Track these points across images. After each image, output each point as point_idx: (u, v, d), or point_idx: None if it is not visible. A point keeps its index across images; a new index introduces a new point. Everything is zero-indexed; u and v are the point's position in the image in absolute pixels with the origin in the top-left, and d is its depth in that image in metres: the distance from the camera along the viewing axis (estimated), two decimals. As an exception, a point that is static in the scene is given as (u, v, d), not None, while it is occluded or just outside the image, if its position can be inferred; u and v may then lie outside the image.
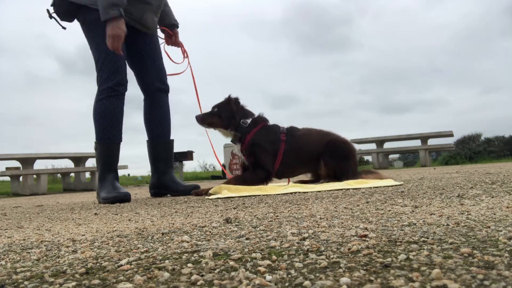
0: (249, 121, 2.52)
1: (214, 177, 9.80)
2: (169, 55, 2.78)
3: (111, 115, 2.31)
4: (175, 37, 2.75)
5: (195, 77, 2.85)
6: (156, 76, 2.58)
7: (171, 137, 2.70)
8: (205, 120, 2.58)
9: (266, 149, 2.49)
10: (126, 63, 2.44)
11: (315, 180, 2.69)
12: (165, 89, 2.64)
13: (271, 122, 2.65)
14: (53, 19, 2.37)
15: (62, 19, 2.38)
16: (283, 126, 2.65)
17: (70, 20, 2.40)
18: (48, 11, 2.36)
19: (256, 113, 2.63)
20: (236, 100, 2.58)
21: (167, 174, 2.64)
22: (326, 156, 2.59)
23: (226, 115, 2.53)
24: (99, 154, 2.37)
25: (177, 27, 2.76)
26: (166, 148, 2.67)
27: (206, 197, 2.16)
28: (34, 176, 6.62)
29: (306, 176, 2.82)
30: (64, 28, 2.42)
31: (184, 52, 2.81)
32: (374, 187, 1.96)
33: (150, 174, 2.77)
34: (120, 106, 2.34)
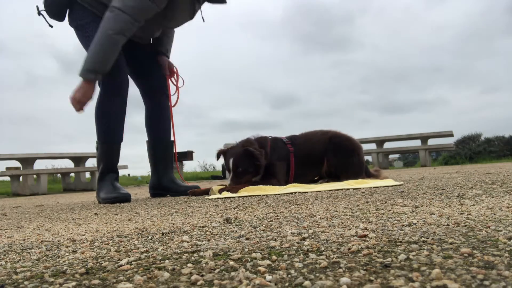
0: (263, 151, 2.43)
1: (214, 177, 9.81)
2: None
3: (114, 116, 2.31)
4: (164, 65, 2.67)
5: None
6: (159, 80, 2.58)
7: (171, 139, 2.69)
8: (240, 185, 2.31)
9: (280, 165, 2.48)
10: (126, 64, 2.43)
11: (316, 179, 2.69)
12: (167, 94, 2.63)
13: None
14: (41, 16, 2.32)
15: (52, 17, 2.34)
16: (282, 137, 2.64)
17: (60, 18, 2.35)
18: (37, 7, 2.32)
19: (251, 134, 2.54)
20: (252, 152, 2.34)
21: (167, 175, 2.64)
22: (329, 153, 2.59)
23: (253, 168, 2.35)
24: (100, 154, 2.36)
25: (164, 55, 2.69)
26: (166, 149, 2.66)
27: (206, 197, 2.16)
28: (34, 176, 6.62)
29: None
30: (51, 26, 2.38)
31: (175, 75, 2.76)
32: (374, 187, 1.96)
33: (150, 174, 2.77)
34: (122, 106, 2.34)
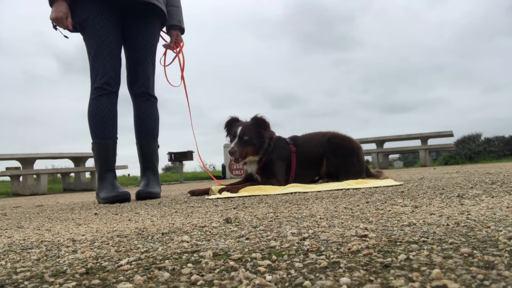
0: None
1: (214, 177, 9.80)
2: (167, 75, 2.76)
3: (102, 114, 2.32)
4: (171, 38, 2.67)
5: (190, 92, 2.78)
6: (143, 85, 2.53)
7: (155, 139, 2.62)
8: (242, 152, 2.32)
9: (280, 165, 2.48)
10: (120, 59, 2.43)
11: (316, 180, 2.69)
12: (148, 98, 2.55)
13: (271, 122, 2.62)
14: (57, 30, 2.37)
15: (69, 30, 2.38)
16: (286, 137, 2.65)
17: (73, 29, 2.39)
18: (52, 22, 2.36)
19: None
20: (262, 121, 2.41)
21: (143, 178, 2.57)
22: (328, 153, 2.59)
23: (258, 141, 2.36)
24: (96, 154, 2.38)
25: (178, 29, 2.68)
26: (141, 152, 2.59)
27: (206, 197, 2.16)
28: (34, 176, 6.62)
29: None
30: (66, 37, 2.42)
31: (178, 54, 2.72)
32: (374, 187, 1.96)
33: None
34: (111, 104, 2.35)
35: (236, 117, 2.53)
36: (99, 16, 2.30)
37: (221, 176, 9.49)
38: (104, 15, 2.31)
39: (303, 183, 2.41)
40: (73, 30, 2.38)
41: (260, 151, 2.40)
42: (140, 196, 2.35)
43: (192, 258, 0.62)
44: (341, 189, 1.96)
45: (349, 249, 0.60)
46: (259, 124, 2.43)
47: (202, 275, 0.51)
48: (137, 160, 2.63)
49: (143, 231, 0.96)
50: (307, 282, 0.45)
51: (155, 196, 2.40)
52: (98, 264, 0.62)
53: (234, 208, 1.39)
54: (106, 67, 2.31)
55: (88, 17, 2.30)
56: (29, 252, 0.78)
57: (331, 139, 2.64)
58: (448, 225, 0.76)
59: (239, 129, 2.37)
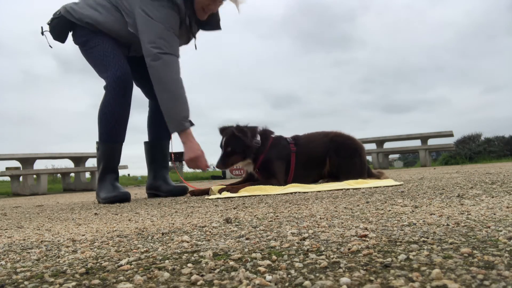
0: (259, 138, 2.47)
1: (214, 177, 9.81)
2: None
3: (117, 117, 2.29)
4: None
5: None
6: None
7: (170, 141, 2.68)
8: (228, 164, 2.44)
9: (279, 164, 2.48)
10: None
11: (316, 179, 2.69)
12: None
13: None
14: (44, 36, 2.38)
15: (55, 38, 2.39)
16: (286, 137, 2.65)
17: (62, 40, 2.40)
18: (42, 28, 2.38)
19: (256, 124, 2.54)
20: (241, 130, 2.43)
21: (160, 175, 2.62)
22: (331, 152, 2.58)
23: (241, 149, 2.41)
24: (101, 154, 2.35)
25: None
26: (163, 150, 2.65)
27: (206, 197, 2.16)
28: (34, 176, 6.62)
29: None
30: (51, 46, 2.45)
31: None
32: (374, 187, 1.96)
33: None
34: (126, 108, 2.33)
35: (224, 126, 2.53)
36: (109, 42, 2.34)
37: (221, 176, 9.48)
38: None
39: (305, 183, 2.41)
40: (61, 41, 2.40)
41: (248, 155, 2.42)
42: (173, 193, 2.52)
43: (192, 258, 0.62)
44: (341, 189, 1.96)
45: (349, 249, 0.60)
46: (241, 134, 2.40)
47: (202, 275, 0.51)
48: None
49: (143, 231, 0.96)
50: (307, 282, 0.45)
51: (184, 189, 2.54)
52: (98, 264, 0.62)
53: (234, 208, 1.39)
54: (120, 61, 2.29)
55: (94, 34, 2.32)
56: (29, 252, 0.78)
57: (334, 138, 2.63)
58: (448, 225, 0.76)
59: (223, 141, 2.43)
